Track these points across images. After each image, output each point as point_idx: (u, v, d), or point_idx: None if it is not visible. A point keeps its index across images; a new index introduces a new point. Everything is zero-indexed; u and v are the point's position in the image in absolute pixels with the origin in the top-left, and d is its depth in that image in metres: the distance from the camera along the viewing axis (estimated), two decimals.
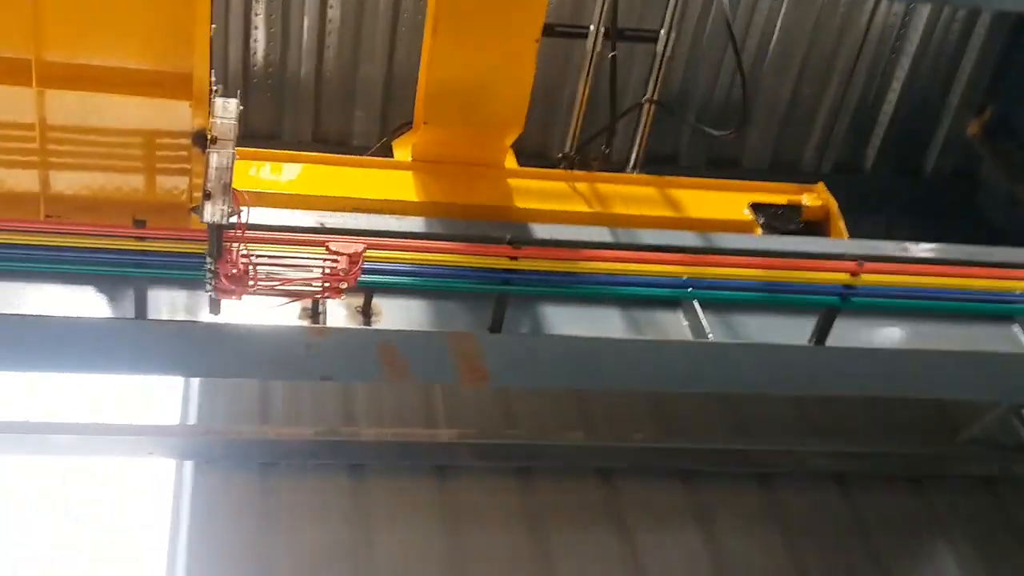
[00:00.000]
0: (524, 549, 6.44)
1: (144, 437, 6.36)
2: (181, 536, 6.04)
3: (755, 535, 6.90)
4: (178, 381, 6.91)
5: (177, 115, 3.94)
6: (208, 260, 3.83)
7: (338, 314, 4.54)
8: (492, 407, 7.11)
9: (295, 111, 7.63)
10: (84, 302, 4.21)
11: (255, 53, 7.47)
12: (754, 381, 4.72)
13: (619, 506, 6.85)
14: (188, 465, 6.43)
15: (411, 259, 4.36)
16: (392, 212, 4.99)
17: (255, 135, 7.70)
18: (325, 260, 3.94)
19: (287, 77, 7.53)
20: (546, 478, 6.86)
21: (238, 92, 4.63)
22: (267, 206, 4.84)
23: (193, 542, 6.01)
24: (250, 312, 4.24)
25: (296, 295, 3.96)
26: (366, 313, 4.53)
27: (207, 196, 3.70)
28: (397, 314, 4.54)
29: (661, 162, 8.22)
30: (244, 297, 3.88)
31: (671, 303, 4.76)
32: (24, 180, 4.02)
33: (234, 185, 4.47)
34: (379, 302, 4.60)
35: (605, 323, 4.67)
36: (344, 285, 3.92)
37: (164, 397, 6.67)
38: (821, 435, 7.37)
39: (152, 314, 4.17)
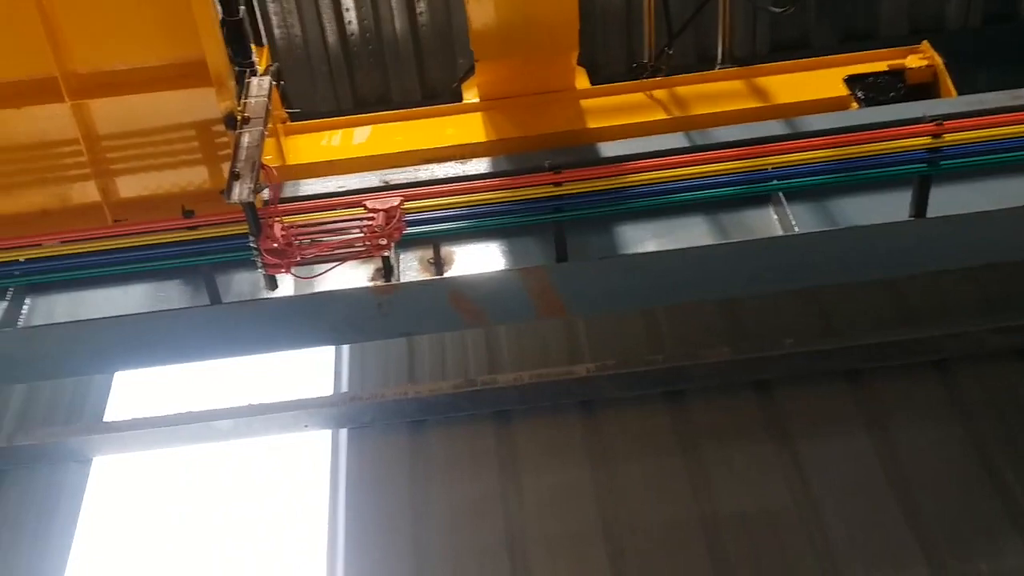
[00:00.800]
0: (679, 474, 6.26)
1: (299, 411, 6.61)
2: (340, 499, 6.27)
3: (931, 429, 6.43)
4: (329, 353, 7.17)
5: (206, 102, 4.02)
6: (251, 239, 3.90)
7: (411, 268, 4.54)
8: (638, 331, 6.93)
9: (398, 73, 7.67)
10: (156, 297, 4.38)
11: (350, 23, 7.54)
12: (855, 267, 4.36)
13: (778, 417, 6.54)
14: (343, 433, 6.67)
15: (465, 201, 4.28)
16: (461, 156, 4.90)
17: (365, 103, 7.82)
18: (363, 220, 3.92)
19: (384, 42, 7.57)
20: (696, 399, 6.64)
21: (273, 67, 4.70)
22: (339, 173, 4.92)
23: (351, 504, 6.22)
24: (321, 280, 4.31)
25: (341, 258, 3.97)
26: (437, 263, 4.50)
27: (235, 176, 3.75)
28: (469, 260, 4.49)
29: (791, 48, 7.75)
30: (292, 268, 3.92)
31: (755, 200, 4.46)
32: (87, 191, 4.22)
33: (270, 161, 4.62)
34: (451, 250, 4.56)
35: (683, 233, 4.43)
36: (384, 241, 3.89)
37: (317, 371, 6.93)
38: (992, 312, 6.80)
39: (226, 298, 4.31)
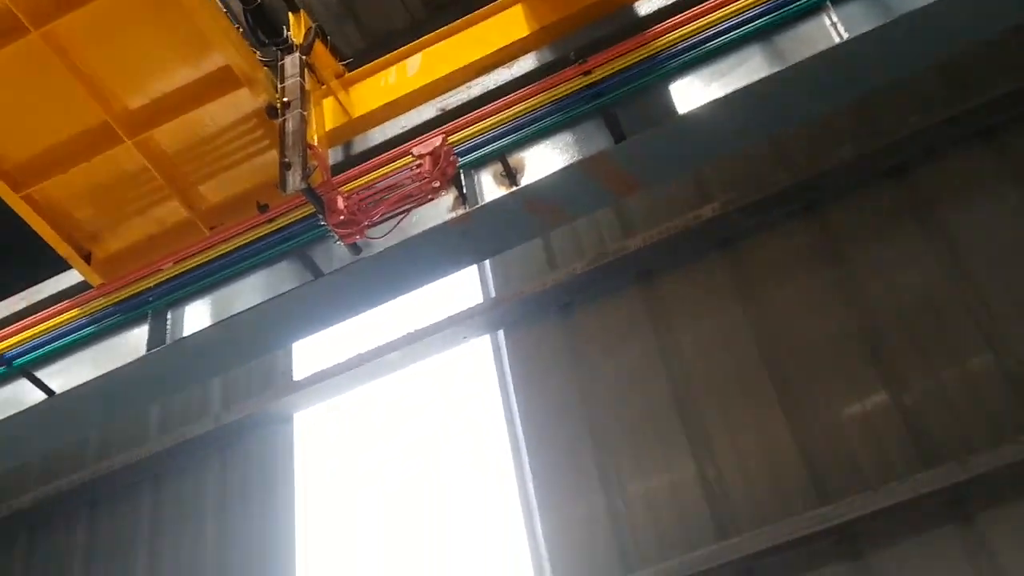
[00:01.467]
0: (830, 287, 6.19)
1: (456, 326, 6.94)
2: (510, 396, 6.60)
3: None
4: (472, 268, 7.41)
5: (246, 100, 4.21)
6: (319, 217, 4.10)
7: (488, 185, 4.64)
8: (764, 154, 6.78)
9: None
10: (270, 285, 4.69)
11: None
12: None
13: (921, 198, 6.29)
14: (500, 335, 6.95)
15: (511, 115, 4.34)
16: (509, 59, 4.89)
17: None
18: (413, 170, 4.04)
19: None
20: (831, 206, 6.47)
21: (312, 29, 4.81)
22: (401, 111, 5.03)
23: (521, 397, 6.53)
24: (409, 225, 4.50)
25: (405, 211, 4.11)
26: (509, 174, 4.58)
27: (286, 167, 3.93)
28: (538, 162, 4.54)
29: None
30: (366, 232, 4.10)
31: (799, 19, 4.28)
32: (175, 210, 4.53)
33: (336, 119, 4.77)
34: (520, 157, 4.62)
35: (741, 71, 4.30)
36: (436, 184, 4.00)
37: (463, 285, 7.21)
38: None
39: (328, 267, 4.58)
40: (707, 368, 6.15)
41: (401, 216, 4.12)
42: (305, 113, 4.10)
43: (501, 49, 4.95)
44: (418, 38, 5.17)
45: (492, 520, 6.26)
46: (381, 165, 4.32)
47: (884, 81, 4.39)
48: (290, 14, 5.05)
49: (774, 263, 6.40)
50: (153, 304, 4.82)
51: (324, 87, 4.95)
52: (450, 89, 4.95)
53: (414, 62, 5.28)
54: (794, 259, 6.37)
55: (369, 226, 4.07)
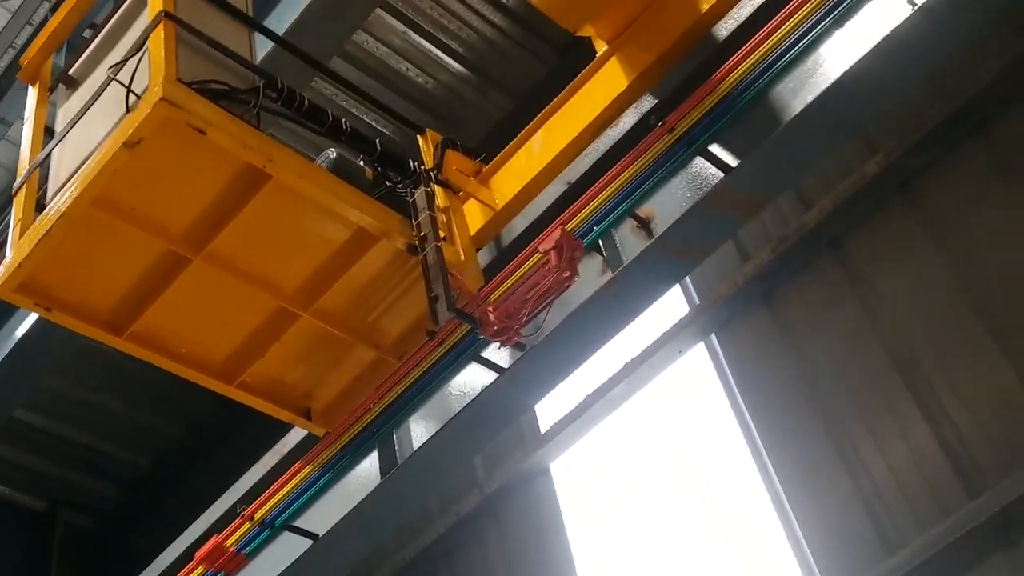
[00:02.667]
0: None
1: (670, 343, 7.05)
2: (736, 394, 6.62)
3: None
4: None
5: (387, 248, 4.56)
6: (477, 333, 4.39)
7: (626, 241, 4.77)
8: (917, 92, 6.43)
9: None
10: (466, 385, 5.07)
11: None
12: None
13: None
14: (712, 339, 7.00)
15: (620, 184, 4.48)
16: (615, 114, 4.99)
17: None
18: (543, 267, 4.24)
19: None
20: (998, 123, 6.07)
21: (439, 145, 5.14)
22: (534, 193, 5.25)
23: (747, 393, 6.55)
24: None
25: (547, 304, 4.31)
26: (645, 226, 4.69)
27: (434, 300, 4.24)
28: (665, 210, 4.63)
29: None
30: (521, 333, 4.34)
31: None
32: (365, 352, 4.97)
33: (483, 215, 5.05)
34: (648, 208, 4.73)
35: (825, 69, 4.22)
36: (567, 273, 4.18)
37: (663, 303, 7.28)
38: None
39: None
40: (916, 320, 5.93)
41: (546, 309, 4.34)
42: (439, 245, 4.40)
43: (606, 108, 5.07)
44: (556, 85, 5.27)
45: (749, 524, 6.32)
46: (516, 268, 4.53)
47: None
48: (418, 136, 5.42)
49: (957, 194, 6.08)
50: (377, 434, 5.28)
51: (462, 193, 5.25)
52: (571, 158, 5.13)
53: (537, 140, 5.47)
54: (975, 187, 6.03)
55: (521, 328, 4.31)
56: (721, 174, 4.33)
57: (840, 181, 6.49)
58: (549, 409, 7.64)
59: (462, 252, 4.60)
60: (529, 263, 4.46)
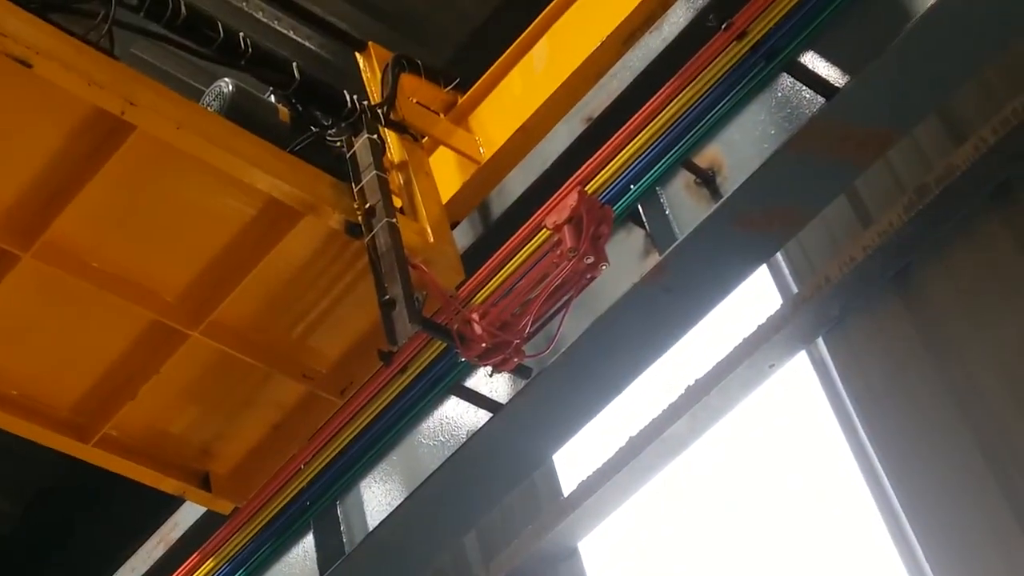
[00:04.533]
0: None
1: (756, 353, 7.05)
2: (850, 415, 6.66)
3: None
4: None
5: (314, 228, 4.56)
6: (456, 354, 4.39)
7: (679, 205, 4.79)
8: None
9: None
10: (443, 430, 5.12)
11: None
12: None
13: None
14: (819, 344, 7.00)
15: (666, 120, 4.50)
16: (654, 7, 4.99)
17: None
18: (553, 251, 4.23)
19: None
20: None
21: (389, 64, 5.13)
22: (537, 137, 5.27)
23: (865, 411, 6.58)
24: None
25: (563, 306, 4.30)
26: (707, 180, 4.71)
27: (388, 306, 4.22)
28: (738, 156, 4.64)
29: None
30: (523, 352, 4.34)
31: None
32: (290, 387, 4.98)
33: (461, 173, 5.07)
34: (711, 151, 4.75)
35: None
36: (589, 259, 4.16)
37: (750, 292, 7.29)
38: None
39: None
40: None
41: (562, 313, 4.34)
42: (393, 220, 4.40)
43: (634, 12, 5.07)
44: None
45: None
46: (513, 253, 4.54)
47: None
48: (356, 54, 5.42)
49: None
50: (312, 509, 5.30)
51: (427, 140, 5.26)
52: (591, 81, 5.15)
53: (540, 53, 5.49)
54: None
55: (522, 343, 4.31)
56: (821, 99, 4.35)
57: (1007, 101, 6.46)
58: (574, 463, 7.64)
59: (429, 231, 4.61)
60: (532, 245, 4.45)
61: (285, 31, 8.09)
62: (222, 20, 4.71)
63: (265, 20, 8.01)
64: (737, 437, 7.22)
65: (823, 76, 4.35)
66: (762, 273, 7.24)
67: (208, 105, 4.59)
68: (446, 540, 5.69)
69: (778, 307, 7.07)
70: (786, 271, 7.25)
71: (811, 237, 7.05)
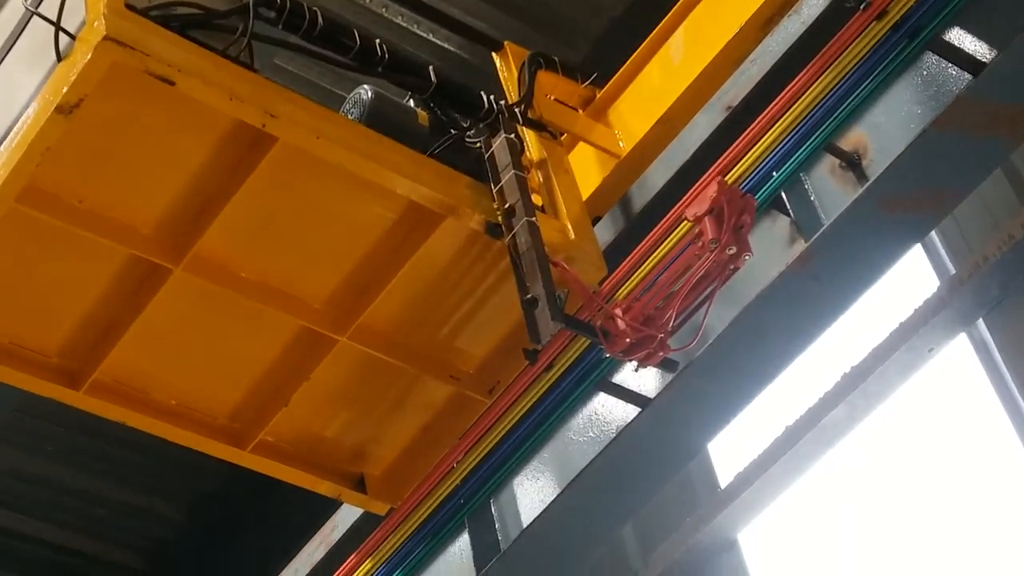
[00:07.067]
0: None
1: (914, 339, 6.94)
2: (1019, 405, 6.50)
3: None
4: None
5: (455, 230, 4.60)
6: (601, 350, 4.40)
7: (825, 190, 4.74)
8: None
9: None
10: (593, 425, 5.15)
11: None
12: None
13: None
14: (979, 325, 6.86)
15: (811, 101, 4.45)
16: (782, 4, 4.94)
17: None
18: (695, 243, 4.21)
19: None
20: None
21: (525, 64, 5.15)
22: (678, 127, 5.24)
23: (1022, 381, 6.42)
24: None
25: (707, 298, 4.28)
26: (852, 164, 4.66)
27: (531, 305, 4.25)
28: (885, 136, 4.58)
29: None
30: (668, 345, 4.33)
31: None
32: (439, 389, 5.04)
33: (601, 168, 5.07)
34: (857, 134, 4.70)
35: None
36: (732, 250, 4.14)
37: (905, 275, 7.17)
38: None
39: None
40: None
41: (704, 306, 4.33)
42: (533, 220, 4.41)
43: None
44: None
45: None
46: (655, 246, 4.54)
47: None
48: (494, 55, 5.44)
49: None
50: (467, 508, 5.36)
51: (565, 137, 5.26)
52: (730, 68, 5.10)
53: (677, 43, 5.45)
54: None
55: (667, 337, 4.30)
56: (968, 76, 4.31)
57: None
58: (730, 454, 7.59)
59: (570, 228, 4.62)
60: (673, 237, 4.45)
61: (424, 34, 8.14)
62: (360, 27, 4.73)
63: (404, 24, 8.08)
64: (897, 424, 7.10)
65: (969, 52, 4.30)
66: (917, 254, 7.13)
67: (348, 112, 4.65)
68: (601, 535, 5.70)
69: (935, 289, 6.94)
70: (943, 252, 7.11)
71: (968, 216, 6.91)
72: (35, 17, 4.13)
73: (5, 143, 4.17)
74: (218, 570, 9.59)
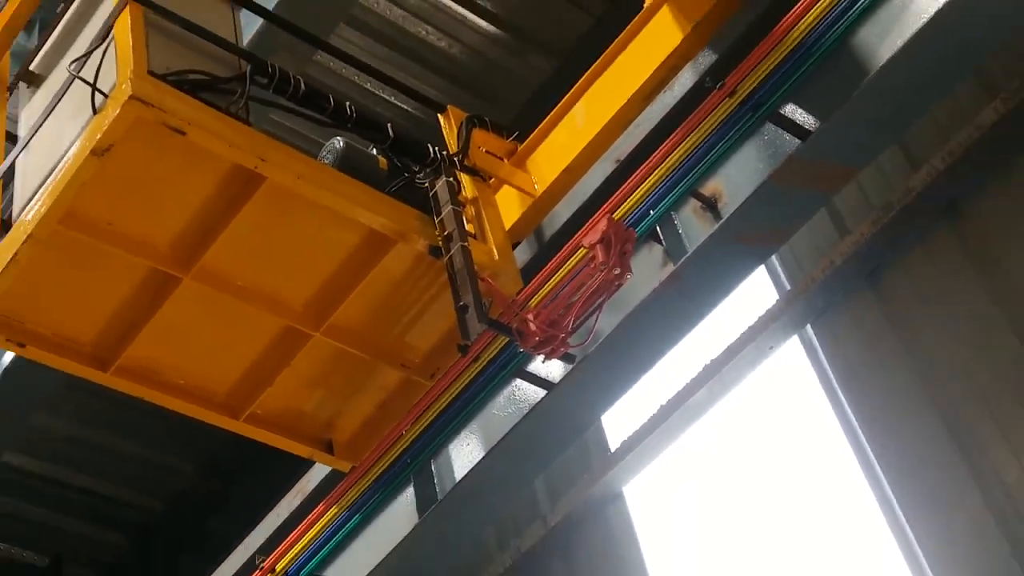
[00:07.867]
0: None
1: (757, 339, 6.98)
2: (838, 395, 6.54)
3: None
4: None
5: (405, 251, 4.58)
6: (515, 345, 4.40)
7: (689, 226, 4.76)
8: None
9: None
10: (513, 402, 5.12)
11: None
12: None
13: None
14: (807, 331, 6.91)
15: (678, 159, 4.45)
16: (668, 74, 4.94)
17: None
18: (589, 265, 4.22)
19: None
20: None
21: (463, 125, 5.14)
22: (578, 174, 5.24)
23: (851, 393, 6.45)
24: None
25: (597, 307, 4.29)
26: (711, 206, 4.68)
27: (463, 311, 4.25)
28: (734, 185, 4.60)
29: None
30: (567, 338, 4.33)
31: None
32: (391, 374, 5.00)
33: (519, 205, 5.06)
34: (714, 184, 4.71)
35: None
36: (617, 271, 4.15)
37: (751, 289, 7.21)
38: None
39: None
40: None
41: (597, 313, 4.33)
42: (466, 244, 4.41)
43: (658, 67, 5.03)
44: (606, 37, 5.25)
45: (860, 549, 6.24)
46: (559, 266, 4.54)
47: None
48: (439, 115, 5.42)
49: None
50: (412, 465, 5.33)
51: (493, 180, 5.25)
52: (620, 130, 5.11)
53: (580, 111, 5.46)
54: None
55: (567, 336, 4.30)
56: (798, 141, 4.34)
57: (953, 133, 6.33)
58: (619, 423, 7.60)
59: (495, 250, 4.60)
60: (573, 260, 4.48)
61: (387, 97, 8.14)
62: (336, 91, 4.72)
63: (372, 89, 8.07)
64: (746, 404, 7.14)
65: (799, 123, 4.34)
66: (761, 274, 7.17)
67: (323, 158, 4.61)
68: (517, 488, 5.69)
69: (775, 301, 7.00)
70: (780, 272, 7.16)
71: (800, 245, 6.96)
72: (77, 80, 4.08)
73: (51, 178, 4.12)
74: (218, 512, 9.51)
